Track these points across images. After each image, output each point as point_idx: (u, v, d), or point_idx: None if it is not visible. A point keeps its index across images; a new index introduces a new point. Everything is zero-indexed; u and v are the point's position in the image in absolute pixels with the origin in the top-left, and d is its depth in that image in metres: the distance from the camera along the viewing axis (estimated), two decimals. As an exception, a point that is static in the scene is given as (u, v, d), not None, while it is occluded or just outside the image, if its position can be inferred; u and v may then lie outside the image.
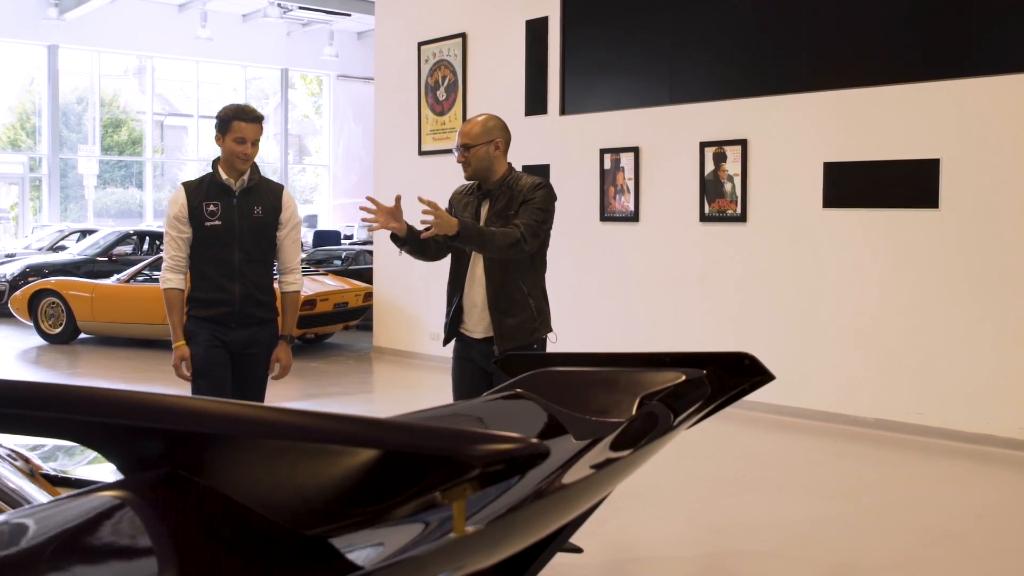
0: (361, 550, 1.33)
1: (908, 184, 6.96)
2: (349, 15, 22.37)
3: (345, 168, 27.02)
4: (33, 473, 2.23)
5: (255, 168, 4.49)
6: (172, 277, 4.44)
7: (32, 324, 11.89)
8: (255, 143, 4.39)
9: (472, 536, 1.22)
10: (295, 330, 4.68)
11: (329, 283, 11.66)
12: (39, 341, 11.85)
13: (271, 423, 1.37)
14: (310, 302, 10.73)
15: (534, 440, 1.23)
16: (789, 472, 6.19)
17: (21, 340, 12.05)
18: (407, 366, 10.51)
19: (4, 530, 1.31)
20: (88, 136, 24.70)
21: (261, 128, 4.46)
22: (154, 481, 1.40)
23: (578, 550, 3.65)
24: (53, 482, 2.20)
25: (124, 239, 15.71)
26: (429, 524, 1.33)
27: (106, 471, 2.58)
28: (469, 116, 10.16)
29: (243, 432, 1.38)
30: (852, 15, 7.29)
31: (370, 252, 13.93)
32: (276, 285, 4.69)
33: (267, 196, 4.52)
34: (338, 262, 14.47)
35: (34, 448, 2.61)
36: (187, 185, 4.50)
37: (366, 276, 12.45)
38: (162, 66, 25.30)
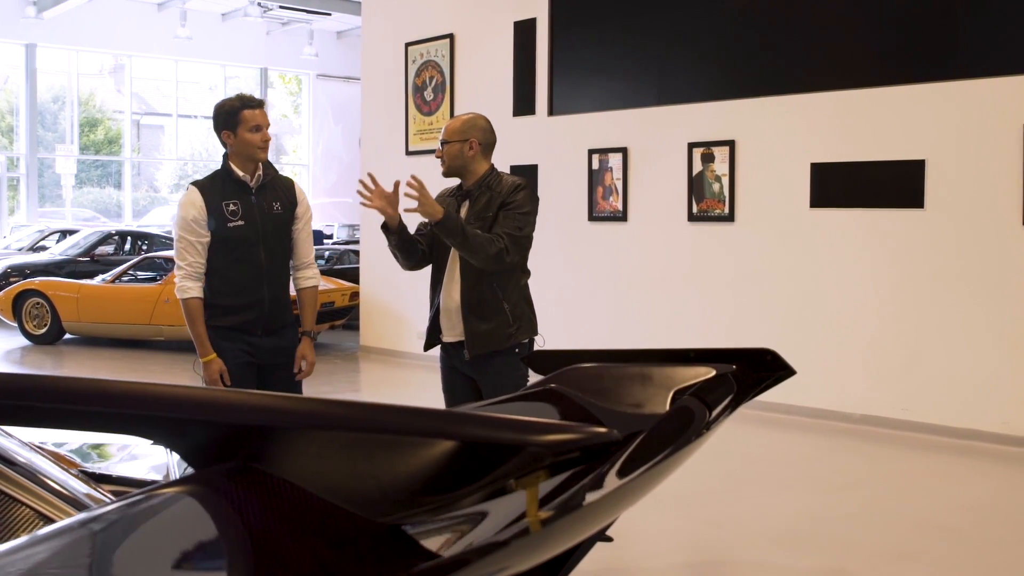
0: (434, 537, 1.39)
1: (894, 184, 7.08)
2: (330, 14, 22.37)
3: (324, 168, 26.99)
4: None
5: (268, 162, 4.30)
6: (191, 285, 4.17)
7: (16, 325, 11.86)
8: (267, 128, 4.23)
9: (545, 523, 1.28)
10: (316, 326, 4.50)
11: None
12: (23, 342, 11.81)
13: (346, 418, 1.42)
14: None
15: (605, 428, 1.30)
16: (782, 468, 6.29)
17: (5, 341, 12.01)
18: (394, 365, 10.56)
19: (100, 528, 1.35)
20: (65, 135, 24.56)
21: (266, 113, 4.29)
22: (228, 474, 1.45)
23: (609, 539, 3.71)
24: (96, 480, 2.25)
25: (106, 239, 15.66)
26: (502, 512, 1.39)
27: (141, 468, 2.63)
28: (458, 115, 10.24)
29: (319, 426, 1.43)
30: (839, 18, 7.41)
31: (355, 252, 13.97)
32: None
33: (282, 191, 4.34)
34: (322, 261, 14.48)
35: (60, 446, 2.65)
36: (199, 185, 4.26)
37: (351, 275, 12.49)
38: (140, 65, 25.18)
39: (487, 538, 1.30)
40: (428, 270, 4.33)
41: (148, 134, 28.10)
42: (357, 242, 15.24)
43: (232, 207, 4.17)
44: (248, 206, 4.20)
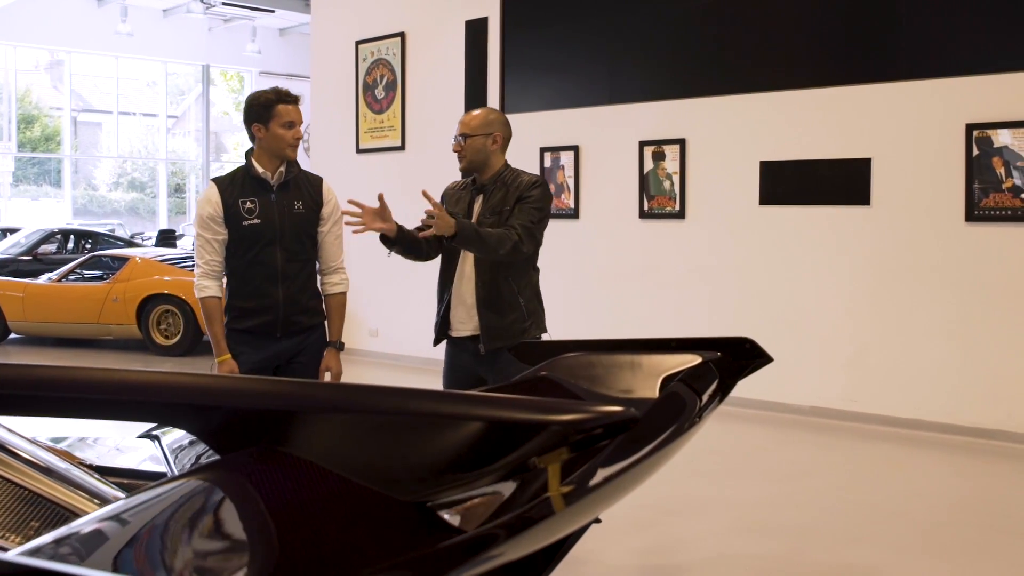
0: (459, 515, 1.46)
1: (841, 182, 7.27)
2: (273, 11, 22.24)
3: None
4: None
5: (294, 160, 4.16)
6: (209, 284, 4.05)
7: (-40, 325, 11.68)
8: (300, 126, 4.11)
9: (568, 499, 1.36)
10: (340, 331, 4.30)
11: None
12: (-33, 342, 11.65)
13: (372, 402, 1.49)
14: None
15: (624, 408, 1.38)
16: (734, 457, 6.44)
17: (-52, 341, 11.83)
18: (346, 362, 10.52)
19: (132, 518, 1.38)
20: (2, 132, 24.13)
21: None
22: (256, 457, 1.50)
23: (599, 520, 3.79)
24: (100, 473, 2.29)
25: (49, 238, 15.46)
26: (524, 489, 1.46)
27: (133, 459, 2.67)
28: (408, 114, 10.29)
29: (344, 410, 1.49)
30: (787, 20, 7.59)
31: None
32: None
33: (307, 189, 4.18)
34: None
35: (56, 441, 2.68)
36: (218, 182, 4.13)
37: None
38: (79, 61, 24.82)
39: (513, 514, 1.38)
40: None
41: (86, 131, 27.70)
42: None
43: (249, 204, 4.05)
44: (267, 204, 4.08)
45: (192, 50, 25.02)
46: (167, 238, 19.24)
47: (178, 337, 10.72)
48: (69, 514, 1.96)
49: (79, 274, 11.67)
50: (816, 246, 7.42)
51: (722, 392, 2.16)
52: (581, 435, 1.38)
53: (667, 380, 2.12)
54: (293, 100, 4.09)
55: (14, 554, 1.15)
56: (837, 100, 7.30)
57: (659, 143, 8.26)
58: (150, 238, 21.10)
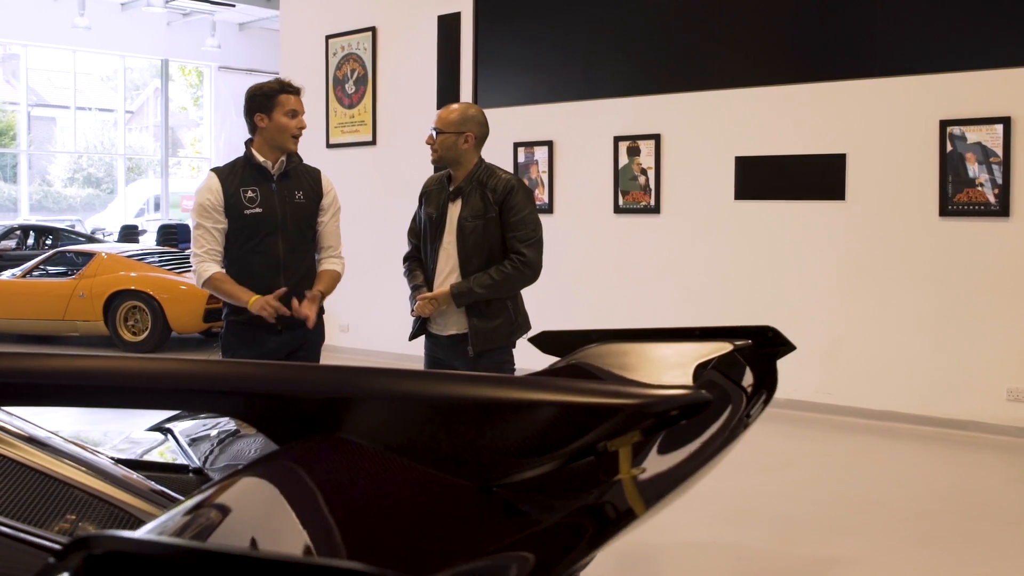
0: (532, 499, 1.46)
1: (816, 177, 7.36)
2: (234, 5, 22.04)
3: (227, 160, 26.57)
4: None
5: (293, 151, 4.17)
6: (209, 265, 4.00)
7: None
8: (302, 116, 4.12)
9: (637, 483, 1.38)
10: (326, 294, 4.20)
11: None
12: (-72, 339, 11.45)
13: (442, 391, 1.49)
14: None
15: (697, 390, 1.40)
16: (714, 451, 6.49)
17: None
18: (326, 358, 10.50)
19: (215, 513, 1.36)
20: (-44, 127, 23.73)
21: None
22: (323, 446, 1.49)
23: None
24: (131, 467, 2.27)
25: (8, 234, 15.23)
26: (598, 472, 1.47)
27: (155, 452, 2.65)
28: (380, 109, 10.26)
29: (415, 398, 1.49)
30: (763, 16, 7.65)
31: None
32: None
33: (306, 180, 4.20)
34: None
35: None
36: (218, 171, 4.12)
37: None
38: (35, 55, 24.45)
39: (592, 500, 1.39)
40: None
41: (40, 126, 27.28)
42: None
43: (250, 194, 4.03)
44: (268, 193, 4.06)
45: (151, 44, 24.73)
46: (130, 234, 19.02)
47: (146, 333, 10.62)
48: (104, 504, 1.95)
49: (43, 270, 11.52)
50: (791, 241, 7.50)
51: (768, 387, 2.17)
52: (655, 417, 1.39)
53: (701, 367, 2.14)
54: (296, 91, 4.11)
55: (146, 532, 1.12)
56: (812, 97, 7.38)
57: (634, 138, 8.31)
58: (111, 234, 20.85)
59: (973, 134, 6.69)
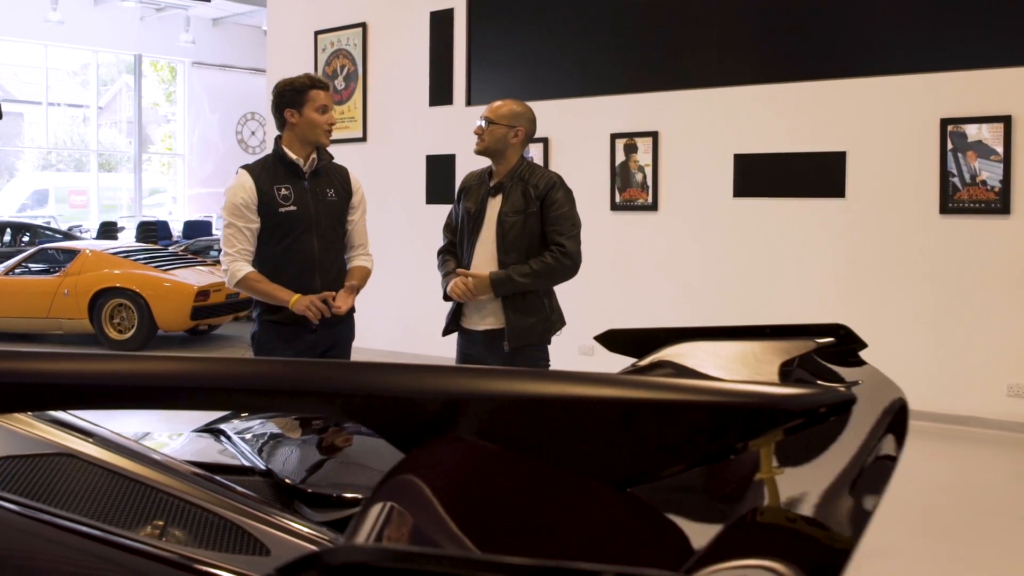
0: (675, 505, 1.44)
1: (816, 175, 7.38)
2: (209, 0, 21.84)
3: (201, 157, 26.33)
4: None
5: (323, 149, 4.11)
6: (242, 265, 3.95)
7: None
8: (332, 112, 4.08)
9: (779, 480, 1.36)
10: (359, 289, 4.16)
11: (220, 273, 11.45)
12: (-93, 337, 11.26)
13: (581, 392, 1.45)
14: (204, 292, 10.57)
15: (844, 388, 1.38)
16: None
17: None
18: (307, 356, 10.44)
19: (408, 518, 1.31)
20: (-76, 122, 23.36)
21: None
22: (454, 448, 1.45)
23: None
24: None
25: (-17, 231, 15.02)
26: (734, 473, 1.45)
27: (214, 454, 2.61)
28: (370, 106, 10.19)
29: (557, 401, 1.45)
30: (761, 14, 7.67)
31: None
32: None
33: (336, 178, 4.16)
34: (215, 253, 14.19)
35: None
36: (249, 169, 4.05)
37: (251, 267, 12.28)
38: (5, 49, 24.13)
39: (733, 501, 1.36)
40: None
41: (8, 121, 26.92)
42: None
43: (284, 191, 3.98)
44: (300, 191, 4.02)
45: (124, 39, 24.45)
46: (109, 230, 18.82)
47: (132, 331, 10.50)
48: (190, 507, 1.91)
49: (25, 267, 11.37)
50: (791, 238, 7.52)
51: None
52: (802, 417, 1.37)
53: (786, 365, 2.12)
54: (325, 85, 4.07)
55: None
56: (813, 95, 7.41)
57: (631, 135, 8.30)
58: (88, 230, 20.62)
59: (974, 132, 6.74)
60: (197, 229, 18.75)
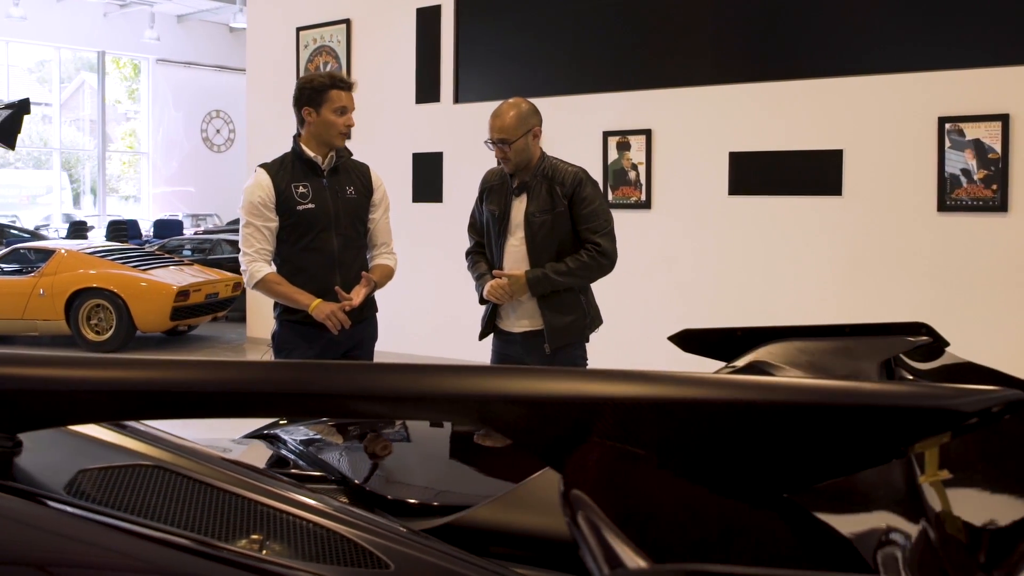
0: (828, 507, 1.39)
1: (812, 173, 7.38)
2: (175, -3, 21.59)
3: (165, 155, 26.03)
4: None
5: (342, 146, 4.08)
6: (261, 266, 3.88)
7: None
8: (352, 113, 4.00)
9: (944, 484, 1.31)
10: (379, 285, 4.11)
11: (200, 273, 11.30)
12: None
13: (735, 396, 1.39)
14: (184, 293, 10.41)
15: (1014, 389, 1.33)
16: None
17: None
18: (290, 357, 10.31)
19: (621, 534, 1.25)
20: None
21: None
22: (598, 457, 1.39)
23: None
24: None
25: (-50, 230, 14.72)
26: (903, 477, 1.41)
27: (265, 459, 2.52)
28: (364, 102, 10.06)
29: (716, 404, 1.38)
30: (755, 11, 7.66)
31: (229, 241, 13.58)
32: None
33: (356, 175, 4.11)
34: (188, 252, 14.01)
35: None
36: (266, 167, 4.00)
37: (226, 266, 12.15)
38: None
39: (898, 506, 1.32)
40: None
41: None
42: (235, 231, 14.80)
43: (302, 189, 3.93)
44: (319, 189, 3.96)
45: (87, 36, 24.10)
46: (79, 230, 18.53)
47: (110, 332, 10.32)
48: (282, 517, 1.83)
49: (-2, 268, 11.16)
50: (787, 236, 7.52)
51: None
52: (975, 418, 1.33)
53: (884, 364, 2.09)
54: (347, 86, 4.00)
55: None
56: (810, 93, 7.41)
57: (624, 133, 8.26)
58: (56, 230, 20.29)
59: (971, 131, 6.76)
60: (168, 228, 18.53)
